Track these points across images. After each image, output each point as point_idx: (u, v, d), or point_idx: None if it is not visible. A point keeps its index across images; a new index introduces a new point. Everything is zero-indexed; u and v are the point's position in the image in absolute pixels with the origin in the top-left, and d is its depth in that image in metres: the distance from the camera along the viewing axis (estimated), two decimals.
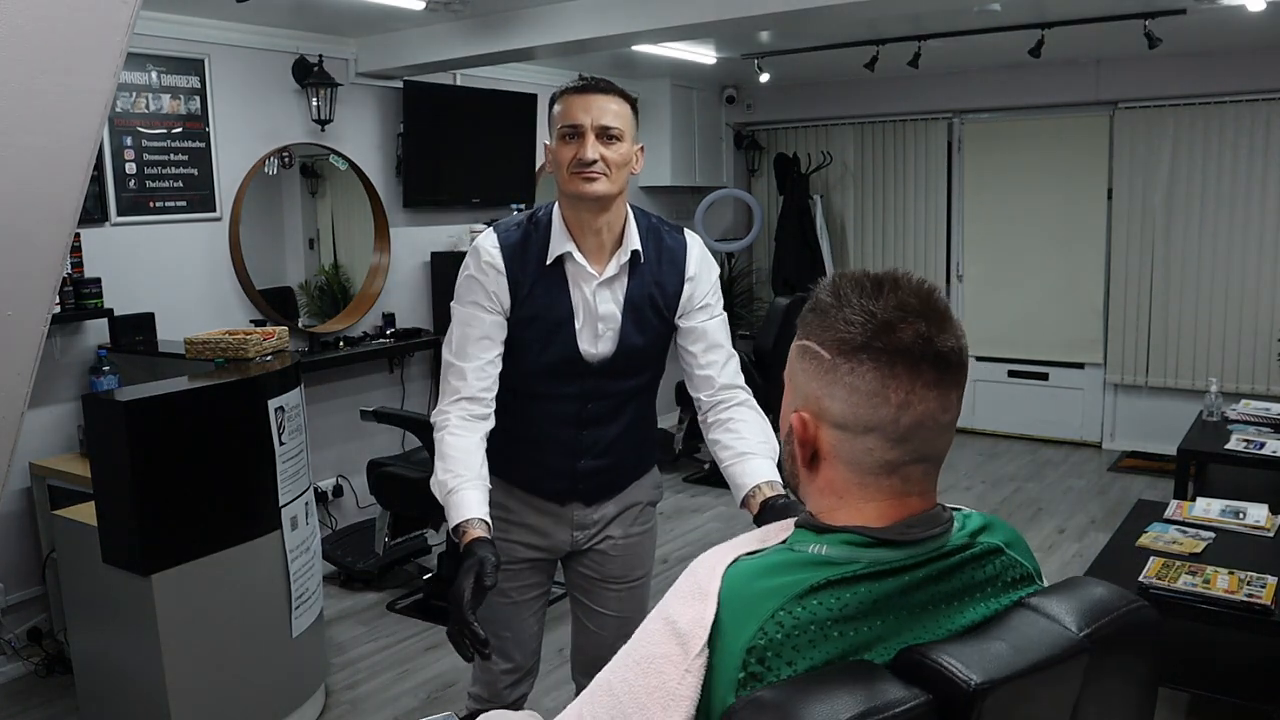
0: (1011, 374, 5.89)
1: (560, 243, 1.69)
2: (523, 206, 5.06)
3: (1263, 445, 3.65)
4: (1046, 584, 0.91)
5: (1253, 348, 5.16)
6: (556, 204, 1.73)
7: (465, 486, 1.57)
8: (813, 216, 6.04)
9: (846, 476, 0.87)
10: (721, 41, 4.73)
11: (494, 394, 1.68)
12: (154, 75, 3.54)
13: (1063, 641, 0.79)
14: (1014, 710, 0.76)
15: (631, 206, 1.75)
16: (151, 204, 3.57)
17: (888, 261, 6.10)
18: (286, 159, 4.11)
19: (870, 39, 4.53)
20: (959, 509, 0.93)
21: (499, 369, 1.68)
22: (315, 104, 3.99)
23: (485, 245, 1.70)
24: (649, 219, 1.79)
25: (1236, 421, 4.05)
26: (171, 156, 3.61)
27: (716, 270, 1.83)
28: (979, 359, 5.97)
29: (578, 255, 1.69)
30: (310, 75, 3.97)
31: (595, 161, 1.62)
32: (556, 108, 1.67)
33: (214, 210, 3.76)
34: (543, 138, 5.16)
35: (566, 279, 1.70)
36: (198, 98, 3.66)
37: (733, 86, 6.21)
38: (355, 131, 4.26)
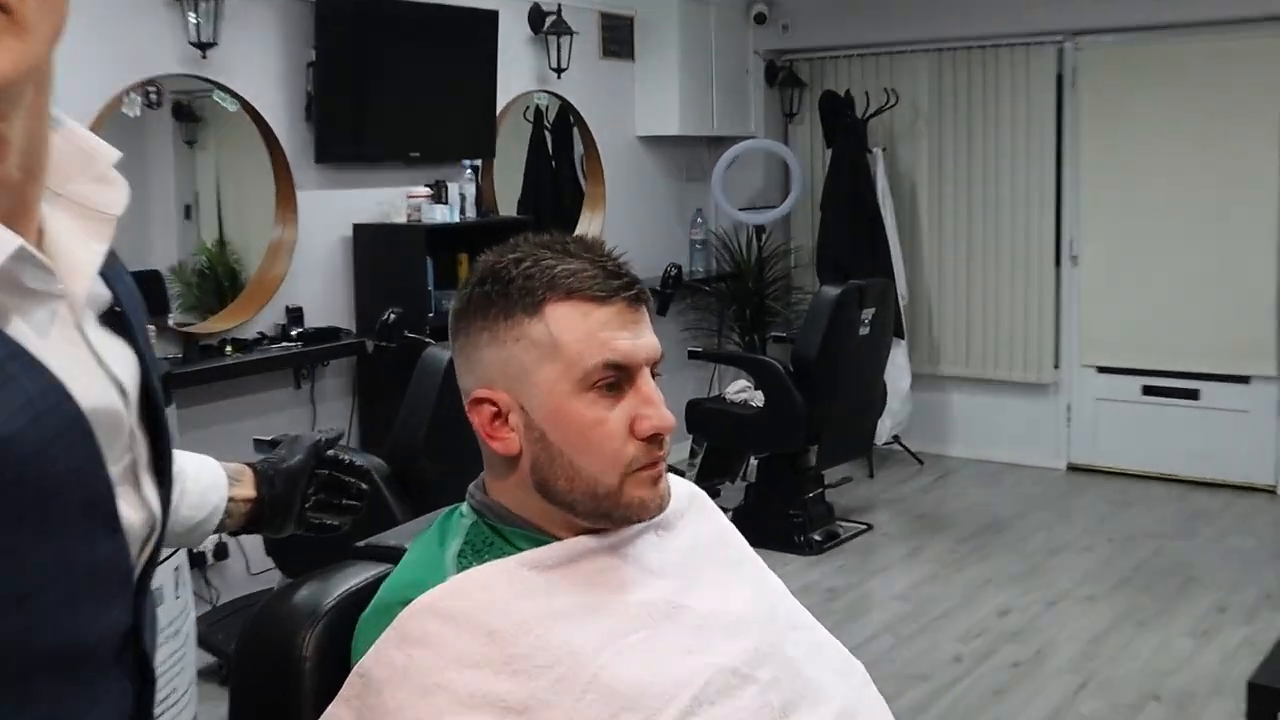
0: (1147, 390, 5.88)
1: None
2: (479, 164, 5.04)
3: None
4: None
5: None
6: None
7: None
8: (872, 177, 6.01)
9: None
10: None
11: None
12: None
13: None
14: None
15: None
16: None
17: (975, 237, 6.08)
18: (153, 96, 4.09)
19: None
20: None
21: None
22: (194, 21, 3.97)
23: None
24: None
25: None
26: None
27: None
28: (1100, 370, 5.96)
29: None
30: None
31: None
32: None
33: None
34: (505, 65, 5.13)
35: None
36: None
37: (763, 2, 6.20)
38: (249, 60, 4.24)
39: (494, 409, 1.18)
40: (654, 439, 1.17)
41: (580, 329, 1.14)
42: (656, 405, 1.16)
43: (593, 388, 1.15)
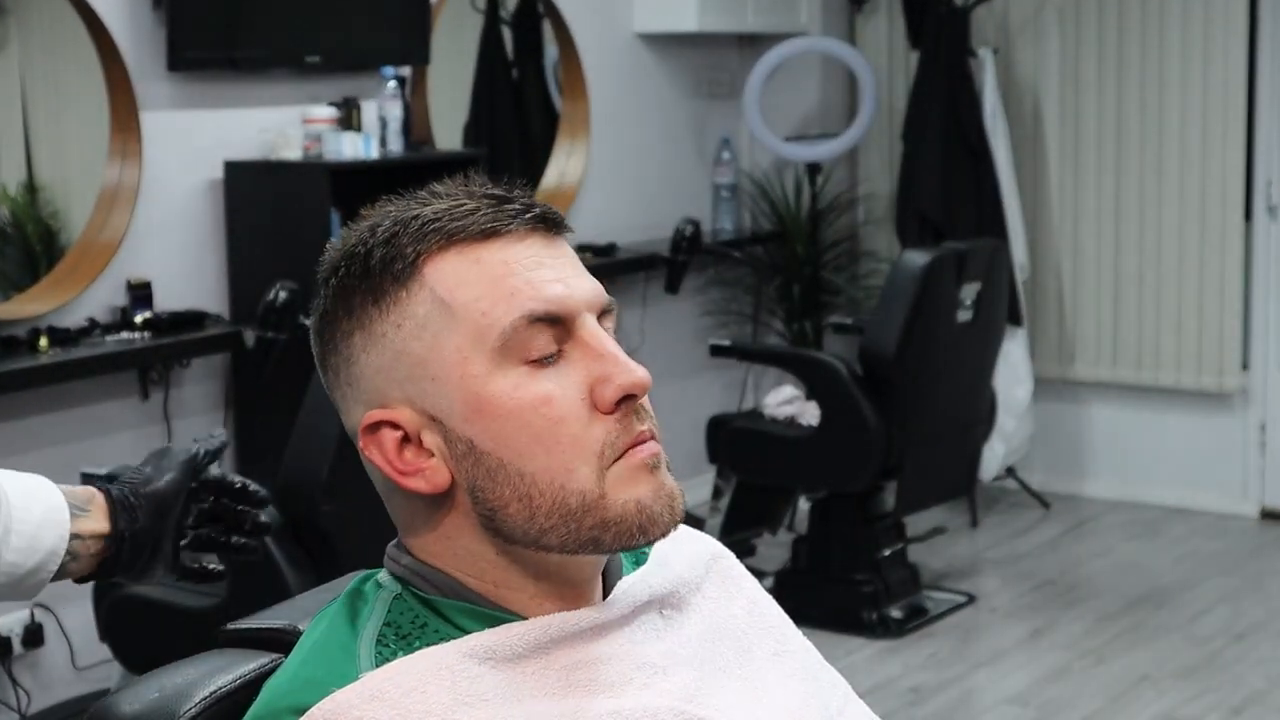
0: None
1: None
2: (407, 75, 5.08)
3: None
4: None
5: None
6: None
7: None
8: (977, 92, 6.04)
9: None
10: None
11: None
12: None
13: None
14: None
15: None
16: None
17: (1126, 179, 6.08)
18: None
19: None
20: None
21: None
22: None
23: None
24: None
25: None
26: None
27: None
28: None
29: None
30: None
31: None
32: None
33: None
34: None
35: None
36: None
37: None
38: None
39: (397, 433, 1.18)
40: (627, 404, 1.16)
41: (477, 280, 1.16)
42: (615, 357, 1.16)
43: (519, 358, 1.16)
